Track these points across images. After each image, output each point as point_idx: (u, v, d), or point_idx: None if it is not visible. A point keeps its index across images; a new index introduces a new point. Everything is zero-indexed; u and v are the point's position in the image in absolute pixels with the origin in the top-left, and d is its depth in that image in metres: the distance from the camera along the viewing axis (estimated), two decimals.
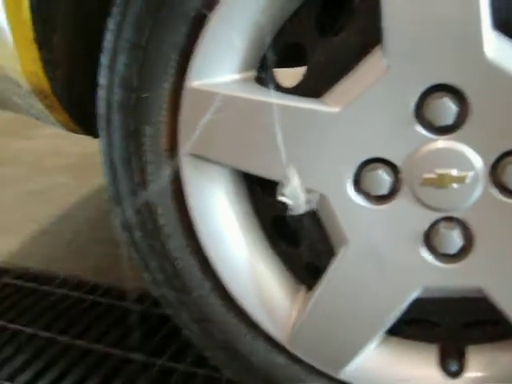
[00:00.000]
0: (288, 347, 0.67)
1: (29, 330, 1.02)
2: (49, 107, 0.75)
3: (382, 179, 0.56)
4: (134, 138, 0.64)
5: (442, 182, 0.55)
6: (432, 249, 0.58)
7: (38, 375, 0.91)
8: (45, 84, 0.72)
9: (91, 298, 1.13)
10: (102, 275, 1.20)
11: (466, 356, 0.64)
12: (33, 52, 0.69)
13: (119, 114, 0.64)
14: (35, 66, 0.70)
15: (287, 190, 0.55)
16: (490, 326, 0.64)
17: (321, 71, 0.57)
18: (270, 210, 0.66)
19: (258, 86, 0.60)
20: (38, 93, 0.74)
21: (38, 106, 0.76)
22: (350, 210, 0.58)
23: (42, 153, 2.01)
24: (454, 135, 0.54)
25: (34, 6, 0.66)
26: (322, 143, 0.56)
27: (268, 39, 0.58)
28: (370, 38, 0.53)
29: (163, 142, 0.63)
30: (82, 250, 1.33)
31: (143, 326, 1.01)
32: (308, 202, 0.56)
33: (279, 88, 0.60)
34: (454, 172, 0.54)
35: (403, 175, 0.56)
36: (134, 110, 0.63)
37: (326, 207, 0.59)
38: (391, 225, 0.58)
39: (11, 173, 1.87)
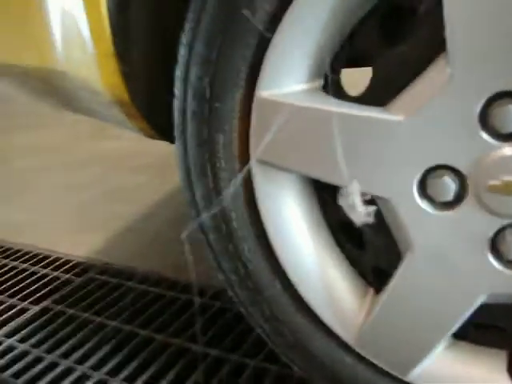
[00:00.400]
0: (355, 347, 0.69)
1: (112, 323, 1.09)
2: (128, 115, 0.81)
3: (448, 186, 0.57)
4: (207, 145, 0.68)
5: (507, 189, 0.55)
6: (498, 255, 0.58)
7: (120, 365, 0.97)
8: (124, 95, 0.77)
9: (171, 294, 1.19)
10: (181, 272, 1.26)
11: None
12: (112, 65, 0.74)
13: (193, 123, 0.68)
14: (115, 77, 0.75)
15: (344, 202, 0.56)
16: None
17: (386, 80, 0.58)
18: (337, 214, 0.68)
19: (324, 95, 0.62)
20: (118, 103, 0.79)
21: (119, 114, 0.81)
22: (416, 215, 0.59)
23: (128, 152, 2.10)
24: None
25: (113, 22, 0.71)
26: (388, 150, 0.58)
27: (335, 49, 0.60)
28: (434, 46, 0.53)
29: (235, 149, 0.67)
30: (163, 248, 1.40)
31: (219, 322, 1.05)
32: (367, 215, 0.57)
33: (345, 97, 0.61)
34: None
35: (469, 182, 0.56)
36: (208, 119, 0.66)
37: (393, 213, 0.60)
38: (457, 231, 0.58)
39: (99, 172, 1.98)
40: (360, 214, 0.57)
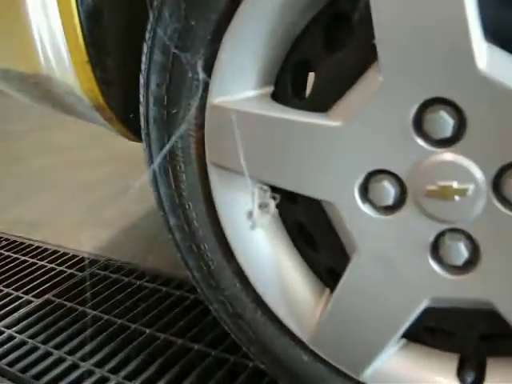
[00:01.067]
0: (311, 346, 0.71)
1: (106, 317, 1.13)
2: (107, 119, 0.84)
3: (387, 190, 0.58)
4: (169, 149, 0.71)
5: (444, 194, 0.55)
6: (439, 260, 0.59)
7: (108, 357, 1.01)
8: (101, 100, 0.80)
9: (167, 289, 1.23)
10: (178, 269, 1.29)
11: (486, 368, 0.64)
12: (88, 72, 0.77)
13: (155, 128, 0.71)
14: (91, 84, 0.79)
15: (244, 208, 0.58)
16: (510, 339, 0.63)
17: (326, 86, 0.60)
18: (291, 215, 0.70)
19: (270, 101, 0.63)
20: (97, 107, 0.83)
21: (99, 118, 0.85)
22: (359, 219, 0.60)
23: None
24: (453, 148, 0.54)
25: (86, 33, 0.74)
26: (329, 155, 0.59)
27: (280, 56, 0.62)
28: (368, 53, 0.55)
29: (193, 153, 0.69)
30: (164, 245, 1.43)
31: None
32: (262, 220, 0.59)
33: (294, 103, 0.63)
34: (455, 184, 0.55)
35: (408, 187, 0.57)
36: (166, 125, 0.69)
37: (337, 216, 0.62)
38: (399, 235, 0.59)
39: (112, 171, 2.03)
40: (255, 219, 0.59)
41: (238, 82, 0.63)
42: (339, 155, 0.59)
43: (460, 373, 0.64)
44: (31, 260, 1.45)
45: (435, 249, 0.59)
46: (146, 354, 1.00)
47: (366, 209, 0.60)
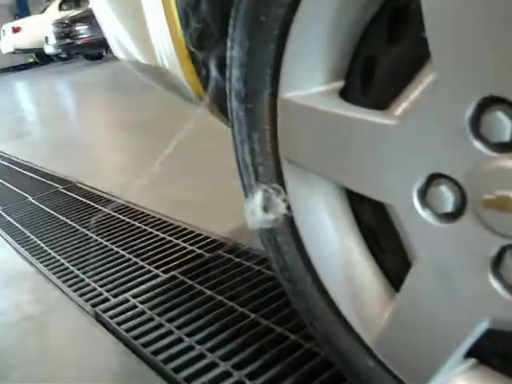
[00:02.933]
0: (376, 352, 0.68)
1: (218, 298, 1.19)
2: (210, 110, 0.89)
3: (445, 196, 0.54)
4: (247, 142, 0.73)
5: (502, 205, 0.50)
6: (500, 278, 0.53)
7: (211, 336, 1.07)
8: (202, 92, 0.85)
9: None
10: None
11: None
12: (190, 65, 0.83)
13: (236, 122, 0.73)
14: (193, 76, 0.84)
15: (247, 207, 0.57)
16: None
17: (387, 83, 0.57)
18: (362, 214, 0.68)
19: (336, 97, 0.62)
20: (201, 98, 0.87)
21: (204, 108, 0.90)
22: (418, 225, 0.57)
23: None
24: None
25: (184, 26, 0.79)
26: (388, 155, 0.57)
27: (349, 51, 0.61)
28: (425, 47, 0.51)
29: (268, 147, 0.71)
30: None
31: None
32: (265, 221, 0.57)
33: (357, 100, 0.61)
34: None
35: (467, 194, 0.53)
36: (245, 119, 0.71)
37: (397, 220, 0.59)
38: (458, 246, 0.55)
39: None
40: (257, 220, 0.58)
41: (307, 77, 0.63)
42: (397, 156, 0.56)
43: None
44: (168, 238, 1.57)
45: (496, 265, 0.53)
46: (258, 344, 1.02)
47: (425, 214, 0.56)
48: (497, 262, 0.53)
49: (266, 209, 0.64)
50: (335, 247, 0.70)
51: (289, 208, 0.70)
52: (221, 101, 0.84)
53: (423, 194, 0.56)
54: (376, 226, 0.66)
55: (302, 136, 0.64)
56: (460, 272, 0.56)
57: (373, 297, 0.68)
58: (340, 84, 0.63)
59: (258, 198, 0.62)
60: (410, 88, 0.54)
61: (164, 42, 0.86)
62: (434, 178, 0.55)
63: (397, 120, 0.55)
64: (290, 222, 0.72)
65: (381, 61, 0.58)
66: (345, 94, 0.63)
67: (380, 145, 0.57)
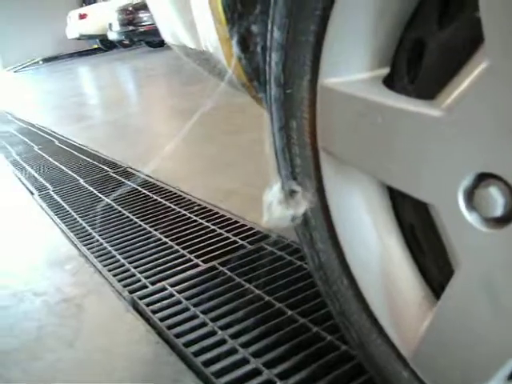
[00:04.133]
0: (411, 363, 0.63)
1: (256, 291, 1.16)
2: (251, 95, 0.85)
3: (494, 198, 0.48)
4: (285, 130, 0.69)
5: None
6: None
7: (244, 331, 1.04)
8: (243, 76, 0.81)
9: None
10: None
11: None
12: (230, 49, 0.79)
13: (274, 108, 0.69)
14: (234, 61, 0.80)
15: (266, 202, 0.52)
16: None
17: (435, 70, 0.52)
18: (403, 213, 0.63)
19: (380, 85, 0.57)
20: (242, 83, 0.84)
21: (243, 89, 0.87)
22: (463, 229, 0.52)
23: None
24: None
25: (226, 10, 0.75)
26: (433, 150, 0.51)
27: (395, 35, 0.55)
28: (478, 30, 0.45)
29: (307, 136, 0.66)
30: None
31: None
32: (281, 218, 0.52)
33: (403, 88, 0.56)
34: None
35: None
36: (283, 105, 0.67)
37: (440, 222, 0.54)
38: (506, 255, 0.49)
39: None
40: (272, 216, 0.53)
41: (349, 62, 0.58)
42: (443, 151, 0.50)
43: None
44: (212, 227, 1.55)
45: None
46: (293, 343, 0.98)
47: (470, 218, 0.51)
48: None
49: (286, 205, 0.59)
50: (373, 247, 0.65)
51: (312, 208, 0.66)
52: (259, 86, 0.80)
53: (470, 195, 0.50)
54: (418, 227, 0.61)
55: (341, 126, 0.60)
56: (508, 285, 0.50)
57: (411, 303, 0.63)
58: (385, 71, 0.58)
59: (278, 191, 0.57)
60: (460, 76, 0.48)
61: (207, 26, 0.82)
62: (482, 178, 0.49)
63: (444, 111, 0.49)
64: (327, 218, 0.68)
65: (429, 46, 0.52)
66: (390, 82, 0.58)
67: (425, 138, 0.51)
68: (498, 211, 0.48)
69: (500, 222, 0.49)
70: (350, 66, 0.58)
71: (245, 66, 0.79)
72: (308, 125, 0.65)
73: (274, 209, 0.58)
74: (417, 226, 0.61)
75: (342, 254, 0.68)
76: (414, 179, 0.54)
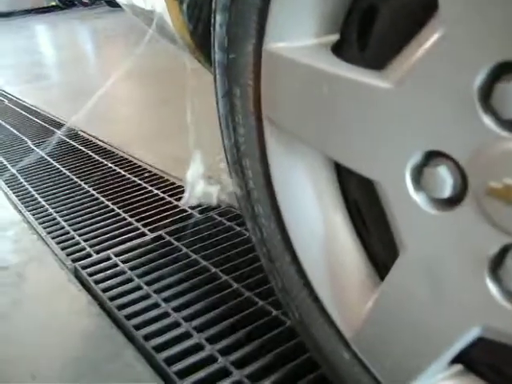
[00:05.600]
0: (352, 344, 0.61)
1: (199, 260, 1.13)
2: (196, 57, 0.80)
3: (443, 179, 0.45)
4: (228, 97, 0.64)
5: (509, 196, 0.42)
6: (498, 282, 0.45)
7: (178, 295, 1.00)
8: (188, 37, 0.76)
9: None
10: None
11: None
12: (176, 8, 0.73)
13: (218, 73, 0.64)
14: (180, 21, 0.75)
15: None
16: None
17: (385, 38, 0.48)
18: (354, 192, 0.60)
19: (327, 52, 0.53)
20: (188, 44, 0.79)
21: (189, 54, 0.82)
22: (408, 209, 0.49)
23: None
24: None
25: None
26: (379, 123, 0.48)
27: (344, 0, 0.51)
28: None
29: (250, 104, 0.62)
30: None
31: None
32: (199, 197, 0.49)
33: (352, 57, 0.52)
34: None
35: (469, 179, 0.44)
36: (227, 71, 0.63)
37: (385, 200, 0.51)
38: (452, 239, 0.47)
39: None
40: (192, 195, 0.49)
41: (296, 28, 0.54)
42: (391, 126, 0.47)
43: None
44: (161, 195, 1.50)
45: (495, 267, 0.45)
46: (238, 317, 0.96)
47: (417, 198, 0.48)
48: (496, 263, 0.45)
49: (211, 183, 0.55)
50: (317, 224, 0.62)
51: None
52: (205, 49, 0.75)
53: (417, 174, 0.48)
54: (363, 205, 0.58)
55: (286, 95, 0.56)
56: (452, 269, 0.48)
57: (355, 283, 0.61)
58: (333, 38, 0.54)
59: (199, 165, 0.53)
60: (411, 46, 0.45)
61: None
62: (431, 157, 0.46)
63: (394, 83, 0.46)
64: (269, 191, 0.64)
65: (381, 12, 0.49)
66: (338, 50, 0.54)
67: (372, 111, 0.48)
68: (446, 192, 0.46)
69: (448, 203, 0.46)
70: (297, 30, 0.54)
71: (191, 29, 0.74)
72: (252, 92, 0.61)
73: (197, 185, 0.54)
74: (362, 203, 0.58)
75: (284, 230, 0.64)
76: (359, 154, 0.51)
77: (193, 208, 1.40)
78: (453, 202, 0.46)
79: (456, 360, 0.53)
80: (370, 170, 0.50)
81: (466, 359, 0.54)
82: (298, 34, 0.54)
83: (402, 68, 0.45)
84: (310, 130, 0.54)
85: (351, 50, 0.53)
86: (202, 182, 0.53)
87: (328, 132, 0.52)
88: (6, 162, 1.97)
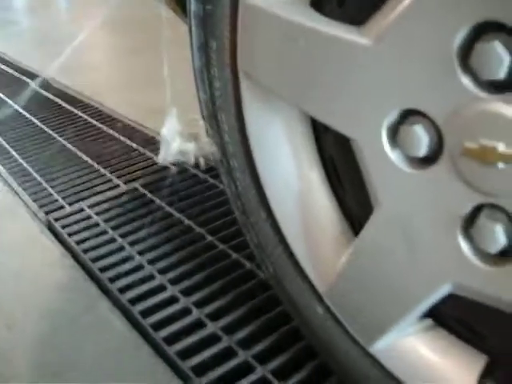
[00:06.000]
0: (325, 298, 0.62)
1: (176, 215, 1.13)
2: (172, 9, 0.78)
3: (418, 137, 0.45)
4: (204, 50, 0.63)
5: (485, 157, 0.42)
6: (470, 240, 0.46)
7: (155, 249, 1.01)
8: None
9: None
10: None
11: None
12: None
13: (194, 25, 0.62)
14: None
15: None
16: None
17: None
18: (329, 148, 0.59)
19: (306, 6, 0.52)
20: None
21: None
22: (384, 166, 0.49)
23: None
24: (507, 96, 0.40)
25: None
26: (356, 80, 0.47)
27: None
28: None
29: (227, 57, 0.61)
30: None
31: None
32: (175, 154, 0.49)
33: (331, 11, 0.51)
34: (502, 147, 0.41)
35: (445, 138, 0.44)
36: (203, 22, 0.61)
37: (361, 158, 0.51)
38: (426, 197, 0.47)
39: None
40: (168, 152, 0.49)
41: None
42: (368, 82, 0.47)
43: (481, 379, 0.52)
44: (135, 146, 1.48)
45: (468, 225, 0.46)
46: (210, 270, 0.97)
47: (392, 156, 0.48)
48: (469, 222, 0.46)
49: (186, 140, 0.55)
50: (292, 179, 0.62)
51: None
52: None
53: (394, 132, 0.47)
54: (338, 161, 0.58)
55: (263, 48, 0.55)
56: (425, 227, 0.48)
57: (329, 238, 0.61)
58: None
59: (174, 121, 0.52)
60: (391, 2, 0.44)
61: None
62: (408, 115, 0.46)
63: (371, 39, 0.45)
64: (245, 145, 0.64)
65: None
66: (317, 4, 0.52)
67: (349, 67, 0.47)
68: (422, 151, 0.46)
69: (423, 162, 0.46)
70: None
71: None
72: (228, 45, 0.59)
73: (173, 142, 0.53)
74: (337, 159, 0.58)
75: (259, 185, 0.64)
76: (336, 111, 0.50)
77: None
78: (428, 160, 0.46)
79: (426, 315, 0.55)
80: (347, 126, 0.50)
81: (436, 314, 0.55)
82: None
83: (381, 24, 0.44)
84: (287, 84, 0.54)
85: (330, 3, 0.52)
86: (179, 138, 0.52)
87: (305, 87, 0.52)
88: None
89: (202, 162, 0.53)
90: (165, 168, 1.34)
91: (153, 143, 1.49)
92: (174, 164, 1.34)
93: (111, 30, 3.12)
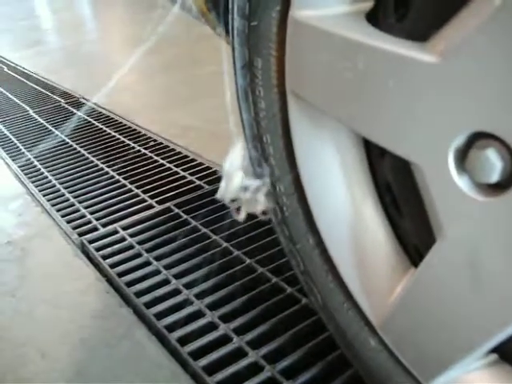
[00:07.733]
0: (379, 331, 0.58)
1: (213, 237, 1.10)
2: (212, 27, 0.75)
3: (491, 162, 0.42)
4: (248, 69, 0.60)
5: None
6: None
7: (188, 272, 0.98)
8: (204, 6, 0.71)
9: None
10: None
11: None
12: None
13: (238, 42, 0.60)
14: None
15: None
16: None
17: (429, 6, 0.43)
18: (386, 173, 0.56)
19: (362, 21, 0.49)
20: (202, 14, 0.74)
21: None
22: (450, 193, 0.45)
23: None
24: None
25: None
26: (420, 101, 0.44)
27: None
28: None
29: (273, 77, 0.58)
30: None
31: None
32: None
33: (389, 26, 0.48)
34: None
35: None
36: (247, 40, 0.58)
37: (424, 184, 0.47)
38: (498, 227, 0.43)
39: None
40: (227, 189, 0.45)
41: None
42: (434, 103, 0.43)
43: None
44: (168, 165, 1.46)
45: None
46: (250, 295, 0.93)
47: (460, 182, 0.44)
48: None
49: (246, 172, 0.51)
50: (344, 205, 0.58)
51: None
52: (222, 16, 0.70)
53: (462, 157, 0.44)
54: (396, 187, 0.54)
55: (314, 67, 0.51)
56: (496, 258, 0.44)
57: (384, 268, 0.57)
58: (368, 5, 0.50)
59: (238, 153, 0.49)
60: (461, 15, 0.40)
61: None
62: (478, 138, 0.42)
63: (438, 56, 0.41)
64: (293, 168, 0.61)
65: None
66: (373, 19, 0.49)
67: (413, 87, 0.44)
68: (494, 177, 0.42)
69: (494, 189, 0.42)
70: None
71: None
72: (275, 64, 0.57)
73: (235, 177, 0.50)
74: (395, 185, 0.54)
75: (308, 211, 0.61)
76: (397, 134, 0.47)
77: (201, 179, 1.36)
78: (500, 187, 0.42)
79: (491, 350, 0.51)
80: (409, 150, 0.46)
81: (501, 349, 0.51)
82: (326, 0, 0.49)
83: (449, 40, 0.40)
84: (341, 105, 0.50)
85: (388, 18, 0.48)
86: (241, 173, 0.48)
87: (362, 108, 0.48)
88: (6, 131, 1.92)
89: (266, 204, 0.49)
90: (198, 187, 1.32)
91: (185, 162, 1.47)
92: (208, 183, 1.32)
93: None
